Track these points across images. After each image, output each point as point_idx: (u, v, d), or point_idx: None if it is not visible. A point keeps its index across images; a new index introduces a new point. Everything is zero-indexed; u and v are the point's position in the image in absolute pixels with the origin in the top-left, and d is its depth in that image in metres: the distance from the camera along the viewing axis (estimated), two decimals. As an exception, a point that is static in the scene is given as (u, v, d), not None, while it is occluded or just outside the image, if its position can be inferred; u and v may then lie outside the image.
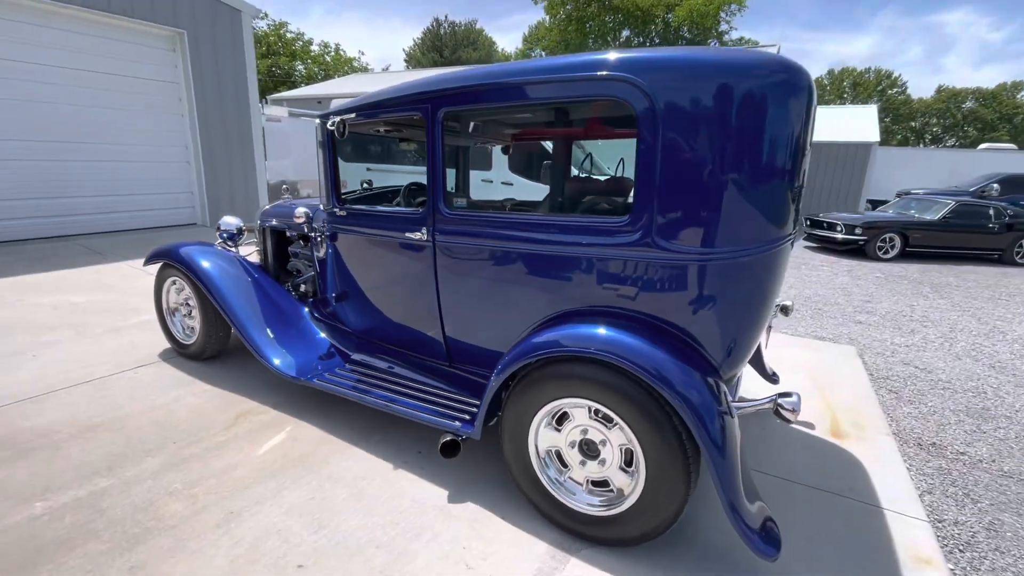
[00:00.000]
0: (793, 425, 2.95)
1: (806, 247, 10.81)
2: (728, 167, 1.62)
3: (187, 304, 3.27)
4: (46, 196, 6.53)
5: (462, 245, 2.18)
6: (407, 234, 2.33)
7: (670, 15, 29.51)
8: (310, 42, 36.12)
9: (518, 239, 2.02)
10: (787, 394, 2.03)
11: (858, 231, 9.89)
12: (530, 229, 1.99)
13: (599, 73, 1.72)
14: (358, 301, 2.77)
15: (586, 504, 1.92)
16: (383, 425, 2.66)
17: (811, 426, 2.95)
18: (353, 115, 2.47)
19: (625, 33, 31.61)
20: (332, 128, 2.48)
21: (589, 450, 1.94)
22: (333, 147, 2.64)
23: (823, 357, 4.12)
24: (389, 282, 2.60)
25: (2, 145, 6.09)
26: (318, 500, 2.10)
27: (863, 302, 6.34)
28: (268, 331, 2.91)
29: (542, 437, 1.98)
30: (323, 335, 3.03)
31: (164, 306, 3.38)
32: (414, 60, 41.42)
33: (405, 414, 2.30)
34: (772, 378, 2.99)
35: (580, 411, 1.89)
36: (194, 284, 3.07)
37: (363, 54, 51.89)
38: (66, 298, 4.49)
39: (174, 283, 3.29)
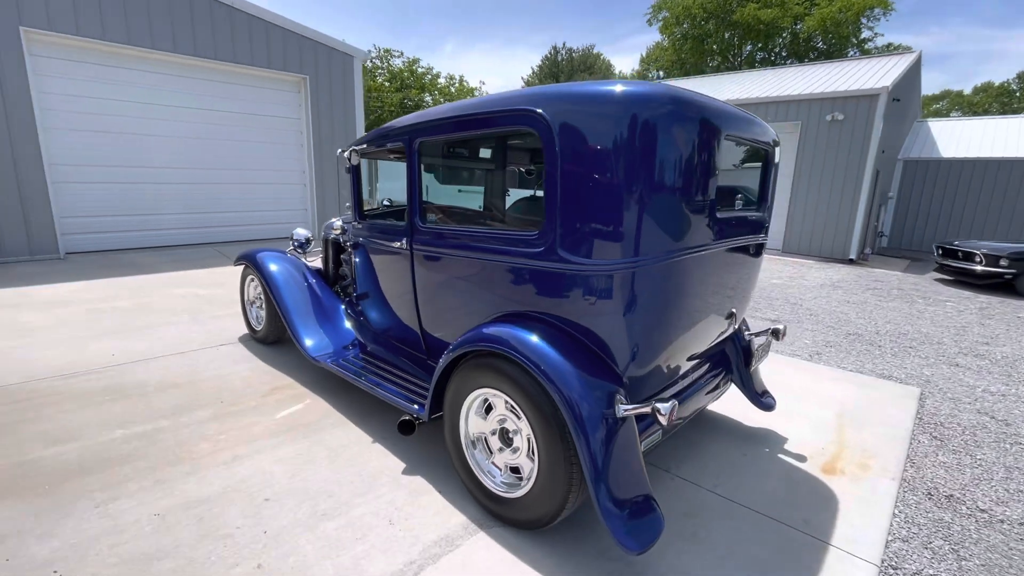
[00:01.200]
0: (782, 456, 2.82)
1: (937, 279, 9.41)
2: (618, 188, 1.79)
3: (260, 297, 4.06)
4: (195, 211, 8.29)
5: (429, 253, 2.56)
6: (394, 244, 2.76)
7: (799, 25, 27.45)
8: (438, 75, 39.68)
9: (463, 248, 2.34)
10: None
11: (1003, 263, 8.41)
12: (470, 240, 2.30)
13: (513, 108, 2.01)
14: (370, 300, 3.27)
15: (498, 484, 2.14)
16: (383, 408, 3.10)
17: (802, 459, 2.80)
18: (364, 146, 2.99)
19: (748, 48, 30.03)
20: (347, 155, 3.03)
21: (506, 438, 2.16)
22: (357, 172, 3.19)
23: (868, 394, 3.75)
24: (386, 284, 3.05)
25: (169, 172, 7.91)
26: (303, 457, 2.57)
27: (978, 343, 5.47)
28: (307, 321, 3.53)
29: (471, 423, 2.25)
30: (350, 328, 3.58)
31: (245, 298, 4.22)
32: (529, 84, 43.29)
33: (383, 396, 2.70)
34: (763, 403, 2.90)
35: (499, 402, 2.13)
36: (262, 281, 3.82)
37: (483, 84, 55.72)
38: (193, 291, 5.70)
39: (251, 280, 4.11)
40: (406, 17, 73.78)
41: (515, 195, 3.30)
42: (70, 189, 7.05)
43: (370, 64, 38.92)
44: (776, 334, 2.84)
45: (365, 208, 3.33)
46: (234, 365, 3.69)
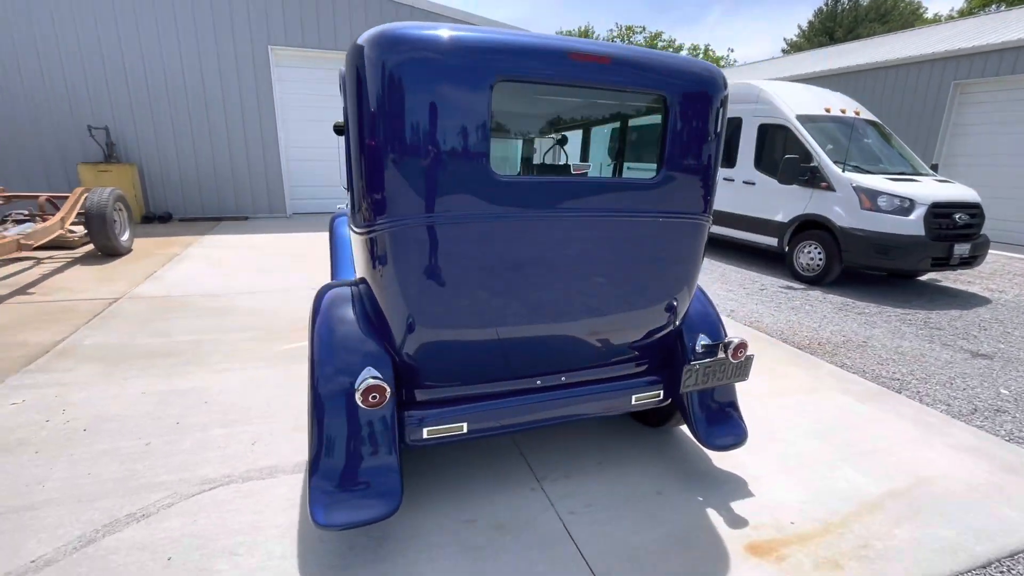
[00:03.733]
0: (717, 507, 2.11)
1: None
2: (375, 146, 1.60)
3: (341, 254, 4.85)
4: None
5: None
6: None
7: None
8: (680, 48, 37.22)
9: None
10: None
11: None
12: None
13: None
14: None
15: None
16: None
17: (740, 523, 2.05)
18: None
19: None
20: None
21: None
22: None
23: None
24: None
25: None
26: (262, 379, 3.12)
27: None
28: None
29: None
30: None
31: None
32: (795, 48, 36.79)
33: None
34: (707, 438, 2.22)
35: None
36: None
37: (731, 51, 49.30)
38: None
39: (337, 238, 4.93)
40: (667, -10, 70.22)
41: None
42: (297, 166, 9.37)
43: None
44: (728, 350, 2.10)
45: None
46: (301, 304, 4.56)
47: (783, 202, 6.85)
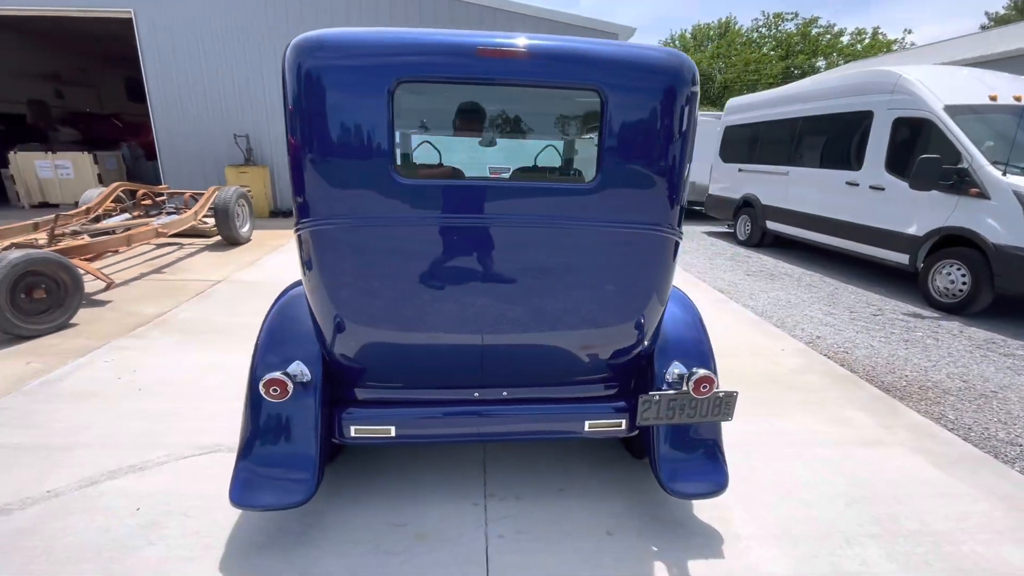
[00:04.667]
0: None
1: None
2: (295, 145, 1.65)
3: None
4: None
5: None
6: None
7: None
8: (840, 33, 32.61)
9: None
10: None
11: None
12: None
13: None
14: None
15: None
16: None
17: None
18: None
19: None
20: None
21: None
22: None
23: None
24: None
25: None
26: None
27: None
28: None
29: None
30: None
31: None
32: (1000, 22, 30.04)
33: None
34: (665, 481, 1.95)
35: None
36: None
37: (909, 32, 41.06)
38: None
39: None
40: (831, -32, 62.11)
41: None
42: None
43: (756, 35, 35.45)
44: (689, 382, 1.81)
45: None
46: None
47: (919, 212, 5.67)
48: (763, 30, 34.84)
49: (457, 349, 1.87)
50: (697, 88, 1.71)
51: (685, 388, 1.84)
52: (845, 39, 32.74)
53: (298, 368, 1.88)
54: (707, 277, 6.46)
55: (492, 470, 2.36)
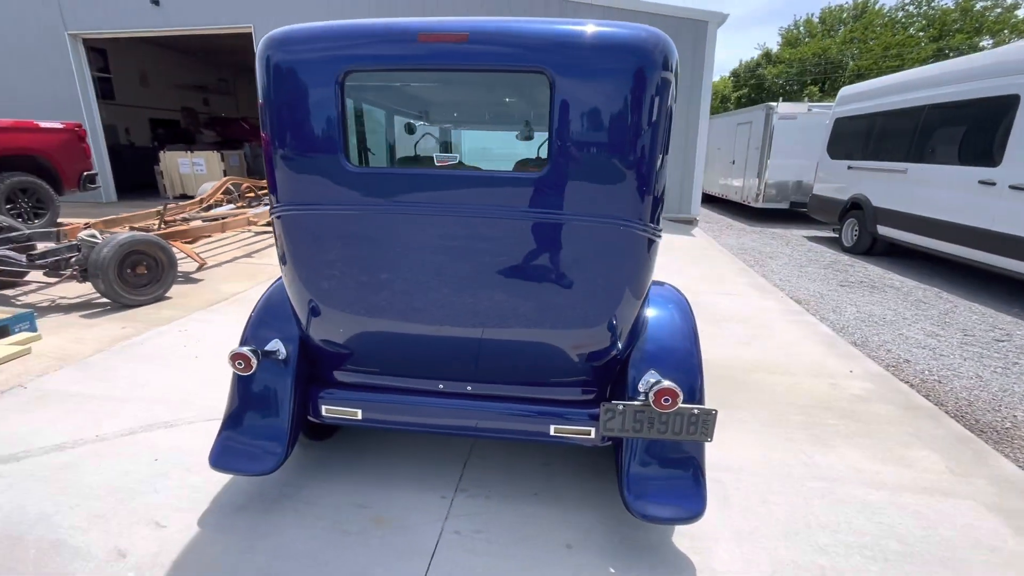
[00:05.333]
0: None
1: None
2: (267, 136, 1.73)
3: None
4: None
5: None
6: None
7: None
8: (1015, 7, 27.36)
9: None
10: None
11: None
12: None
13: None
14: None
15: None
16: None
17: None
18: None
19: None
20: None
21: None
22: None
23: None
24: None
25: None
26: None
27: None
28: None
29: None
30: None
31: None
32: None
33: None
34: (630, 500, 1.79)
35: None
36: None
37: None
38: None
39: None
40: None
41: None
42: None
43: (902, 14, 30.89)
44: (649, 393, 1.64)
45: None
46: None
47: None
48: (910, 8, 30.36)
49: (414, 339, 1.87)
50: (671, 73, 1.54)
51: (648, 400, 1.67)
52: (1022, 12, 27.39)
53: (276, 346, 1.99)
54: (789, 285, 5.80)
55: (472, 466, 2.32)
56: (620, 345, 1.83)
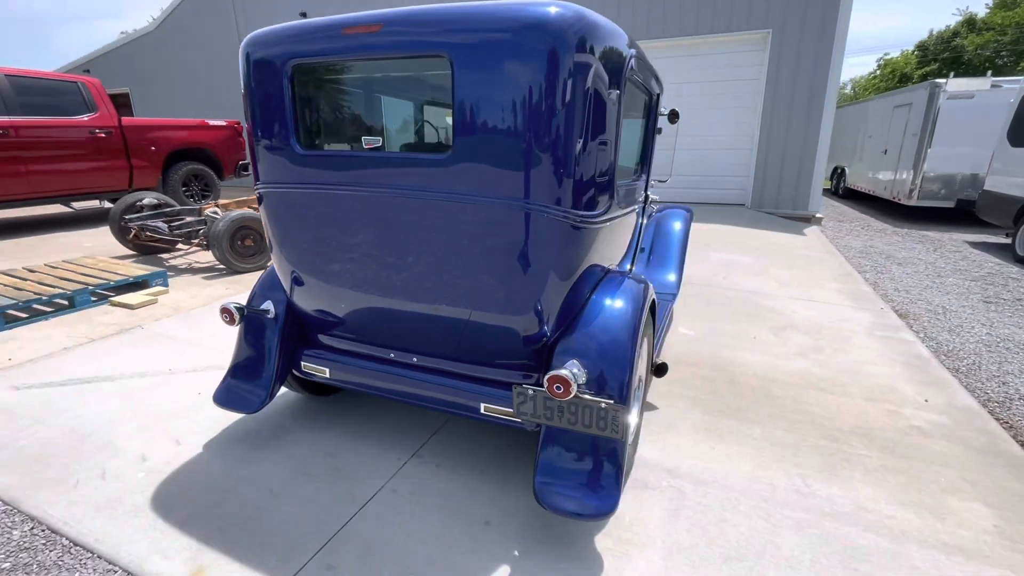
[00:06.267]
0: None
1: None
2: (249, 120, 1.99)
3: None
4: (685, 174, 9.47)
5: None
6: None
7: None
8: None
9: None
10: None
11: None
12: None
13: None
14: None
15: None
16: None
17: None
18: None
19: None
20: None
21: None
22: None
23: None
24: None
25: (679, 139, 9.34)
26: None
27: None
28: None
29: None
30: None
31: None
32: None
33: None
34: (538, 491, 1.79)
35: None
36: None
37: None
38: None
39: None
40: None
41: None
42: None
43: None
44: (544, 377, 1.61)
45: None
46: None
47: None
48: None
49: (361, 309, 2.03)
50: (590, 57, 1.50)
51: (541, 384, 1.63)
52: None
53: (268, 306, 2.31)
54: (903, 297, 4.89)
55: (438, 438, 2.44)
56: (548, 331, 1.80)
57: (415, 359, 2.09)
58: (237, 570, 1.69)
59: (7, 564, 1.72)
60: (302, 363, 2.30)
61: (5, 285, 4.06)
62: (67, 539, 1.82)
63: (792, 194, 8.35)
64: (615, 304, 1.90)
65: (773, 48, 7.93)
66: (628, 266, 3.58)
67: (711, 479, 2.16)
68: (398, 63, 1.82)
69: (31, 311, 3.95)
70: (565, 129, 1.53)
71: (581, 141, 1.58)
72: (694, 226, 7.42)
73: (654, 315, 2.37)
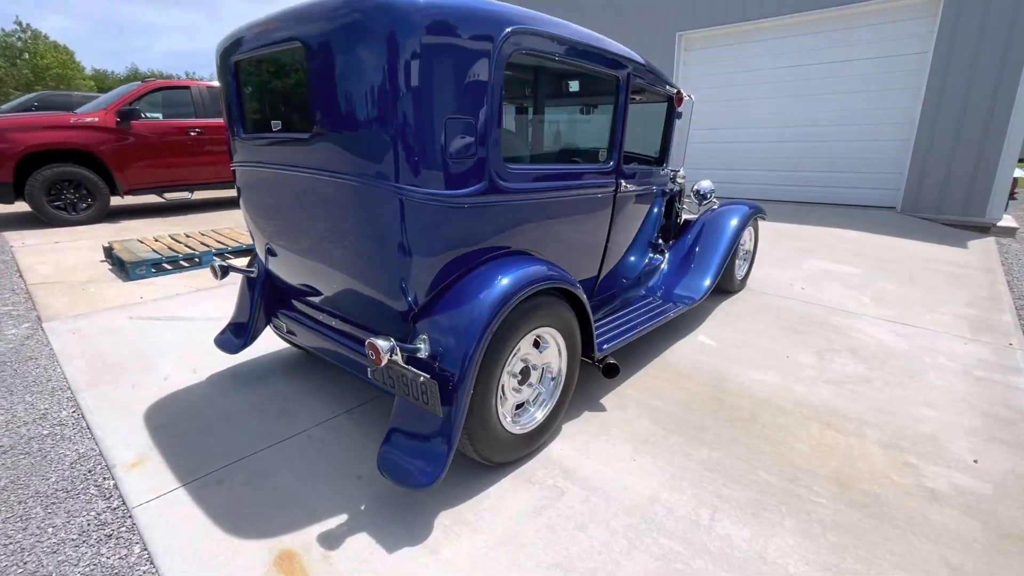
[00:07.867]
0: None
1: None
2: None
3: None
4: (774, 169, 8.27)
5: None
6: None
7: None
8: None
9: None
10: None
11: None
12: None
13: None
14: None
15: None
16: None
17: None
18: None
19: None
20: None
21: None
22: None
23: None
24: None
25: (783, 131, 8.20)
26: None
27: None
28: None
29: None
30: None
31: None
32: None
33: None
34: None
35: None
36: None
37: None
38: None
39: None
40: None
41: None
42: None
43: None
44: (367, 344, 1.69)
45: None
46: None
47: None
48: None
49: (288, 270, 2.33)
50: (446, 39, 1.55)
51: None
52: None
53: (253, 266, 2.75)
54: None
55: (381, 400, 2.63)
56: (413, 304, 1.87)
57: (321, 317, 2.33)
58: (162, 467, 2.11)
59: (43, 431, 2.39)
60: (273, 317, 2.69)
61: (164, 245, 5.36)
62: (86, 422, 2.45)
63: (963, 195, 6.53)
64: (477, 288, 1.86)
65: (947, 12, 6.29)
66: (633, 258, 3.33)
67: (604, 488, 1.98)
68: (289, 53, 2.05)
69: (176, 264, 5.15)
70: (414, 110, 1.58)
71: (445, 123, 1.61)
72: (797, 229, 6.37)
73: (581, 309, 2.23)
